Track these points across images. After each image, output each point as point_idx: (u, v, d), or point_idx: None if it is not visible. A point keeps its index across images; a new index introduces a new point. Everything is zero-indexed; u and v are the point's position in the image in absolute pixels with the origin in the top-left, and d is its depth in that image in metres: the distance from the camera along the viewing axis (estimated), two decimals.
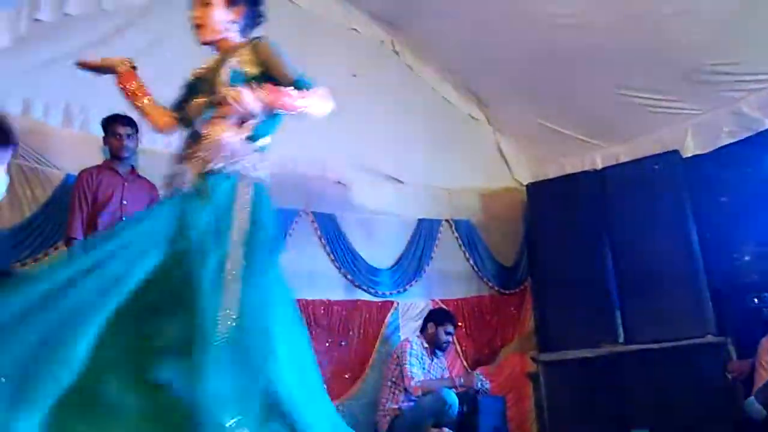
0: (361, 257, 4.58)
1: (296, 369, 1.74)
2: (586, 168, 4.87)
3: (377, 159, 4.79)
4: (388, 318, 4.59)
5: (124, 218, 3.29)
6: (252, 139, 1.98)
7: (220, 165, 1.89)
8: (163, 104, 2.24)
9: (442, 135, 5.10)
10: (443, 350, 4.30)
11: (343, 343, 4.40)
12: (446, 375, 4.28)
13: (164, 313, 1.65)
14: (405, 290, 4.74)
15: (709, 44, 3.88)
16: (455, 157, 5.11)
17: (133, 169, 3.48)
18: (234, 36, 2.11)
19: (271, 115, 2.02)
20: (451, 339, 4.34)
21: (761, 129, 4.04)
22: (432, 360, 4.25)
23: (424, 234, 4.89)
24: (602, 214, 4.54)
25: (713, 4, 3.70)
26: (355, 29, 4.96)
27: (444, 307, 4.68)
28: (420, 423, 3.88)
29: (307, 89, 2.01)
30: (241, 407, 1.53)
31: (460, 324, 4.74)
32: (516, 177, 5.39)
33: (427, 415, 3.87)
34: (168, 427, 1.50)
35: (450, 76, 5.27)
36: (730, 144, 4.18)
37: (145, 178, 3.51)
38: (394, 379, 4.09)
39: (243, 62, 2.02)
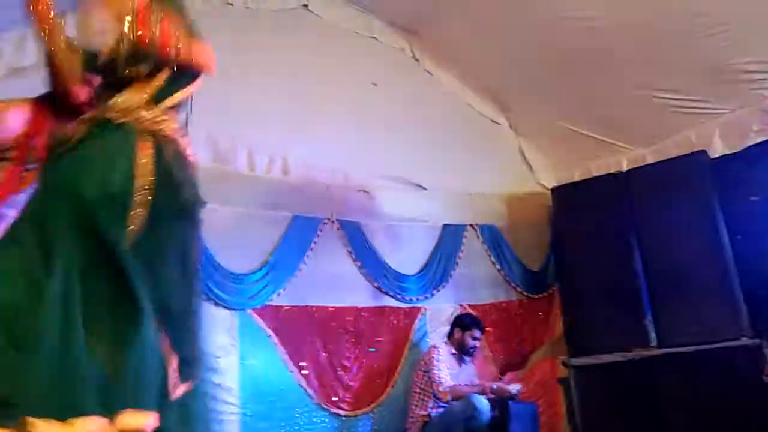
0: (387, 264, 4.58)
1: None
2: (612, 170, 4.81)
3: (400, 166, 4.80)
4: (416, 324, 4.59)
5: None
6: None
7: None
8: None
9: (464, 140, 5.09)
10: (470, 355, 4.28)
11: (371, 350, 4.40)
12: (475, 381, 4.25)
13: None
14: (432, 296, 4.72)
15: (734, 42, 3.83)
16: (478, 162, 5.10)
17: None
18: None
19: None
20: (477, 344, 4.32)
21: None
22: (460, 366, 4.22)
23: (449, 239, 4.88)
24: (629, 216, 4.48)
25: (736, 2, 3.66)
26: (374, 37, 4.99)
27: (471, 312, 4.66)
28: (450, 429, 3.85)
29: None
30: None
31: (488, 329, 4.72)
32: (540, 181, 5.35)
33: (457, 421, 3.84)
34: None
35: (471, 82, 5.26)
36: (760, 142, 4.11)
37: None
38: (422, 386, 4.07)
39: None
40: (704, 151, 4.30)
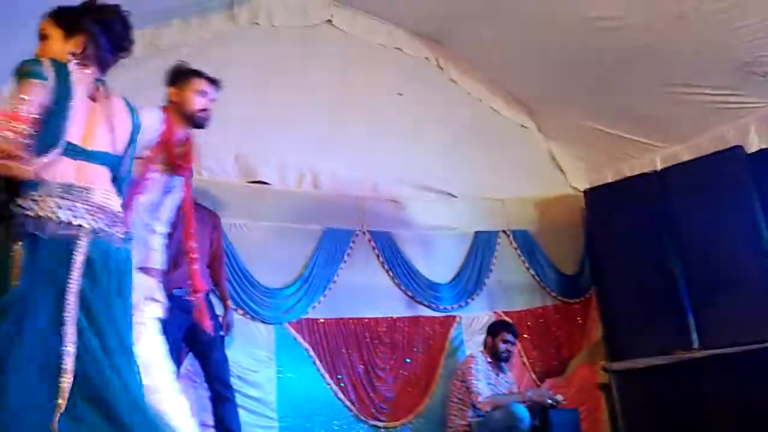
0: (420, 273, 4.57)
1: None
2: (646, 170, 4.73)
3: (429, 175, 4.80)
4: (452, 332, 4.56)
5: None
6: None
7: None
8: None
9: (492, 146, 5.07)
10: (504, 360, 4.21)
11: (408, 360, 4.39)
12: (514, 390, 4.20)
13: None
14: (467, 304, 4.70)
15: (765, 34, 3.74)
16: (508, 168, 5.07)
17: (194, 200, 3.57)
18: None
19: None
20: (510, 348, 4.24)
21: None
22: (498, 375, 4.18)
23: (482, 246, 4.85)
24: (666, 216, 4.40)
25: None
26: (399, 48, 5.01)
27: (506, 318, 4.61)
28: None
29: None
30: None
31: (525, 336, 4.67)
32: (572, 183, 5.30)
33: (497, 430, 3.80)
34: None
35: (497, 87, 5.25)
36: None
37: (205, 208, 3.62)
38: (460, 396, 4.04)
39: None
40: (740, 146, 4.21)
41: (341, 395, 4.13)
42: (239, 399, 3.50)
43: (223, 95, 4.16)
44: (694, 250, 4.26)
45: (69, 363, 1.51)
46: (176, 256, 3.35)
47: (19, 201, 1.60)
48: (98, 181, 1.73)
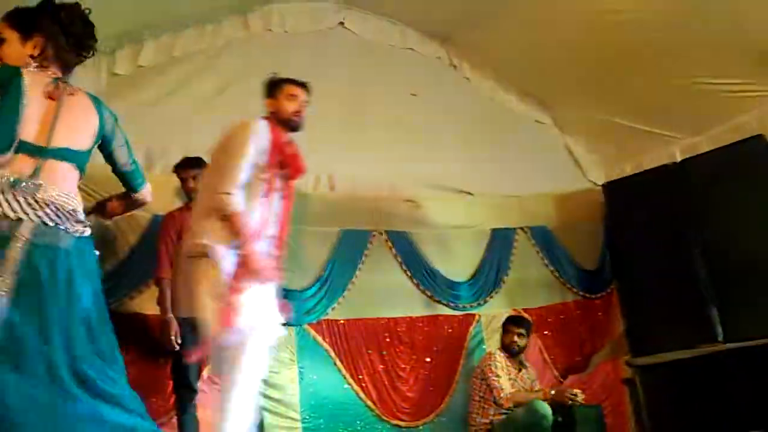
0: (438, 272, 4.57)
1: None
2: (665, 162, 4.68)
3: (444, 174, 4.80)
4: (471, 331, 4.55)
5: None
6: None
7: None
8: None
9: (508, 143, 5.06)
10: (515, 354, 4.16)
11: (428, 360, 4.40)
12: (536, 387, 4.18)
13: None
14: (486, 302, 4.68)
15: None
16: (524, 164, 5.04)
17: None
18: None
19: None
20: (520, 340, 4.14)
21: None
22: (519, 371, 4.16)
23: (500, 244, 4.83)
24: (687, 208, 4.36)
25: None
26: (411, 49, 5.03)
27: (517, 314, 4.57)
28: None
29: None
30: None
31: (546, 333, 4.65)
32: (590, 178, 5.26)
33: (520, 428, 3.79)
34: None
35: (511, 83, 5.23)
36: None
37: None
38: (481, 394, 4.03)
39: None
40: (761, 135, 4.15)
41: (363, 395, 4.15)
42: (262, 400, 3.53)
43: (237, 102, 4.27)
44: (717, 241, 4.21)
45: None
46: None
47: None
48: (54, 177, 1.74)
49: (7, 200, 1.63)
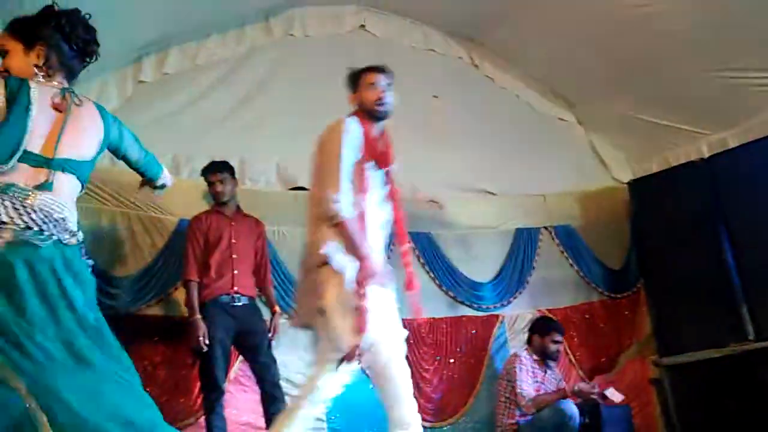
0: (461, 273, 4.57)
1: None
2: (692, 158, 4.61)
3: (467, 174, 4.79)
4: (495, 332, 4.54)
5: (233, 256, 3.50)
6: None
7: None
8: None
9: (531, 142, 5.03)
10: (554, 360, 4.17)
11: (451, 361, 4.40)
12: (562, 386, 4.15)
13: None
14: (509, 303, 4.66)
15: None
16: (548, 163, 5.01)
17: (238, 209, 3.69)
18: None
19: None
20: (560, 347, 4.20)
21: None
22: (545, 372, 4.14)
23: (523, 244, 4.80)
24: (715, 205, 4.28)
25: None
26: (432, 50, 5.03)
27: (549, 315, 4.55)
28: None
29: None
30: None
31: (571, 333, 4.60)
32: (615, 175, 5.19)
33: (547, 429, 3.77)
34: None
35: (533, 82, 5.20)
36: None
37: (250, 216, 3.73)
38: (507, 395, 4.02)
39: None
40: None
41: None
42: (289, 401, 3.57)
43: (261, 108, 4.33)
44: (746, 239, 4.13)
45: None
46: (222, 265, 3.48)
47: None
48: (60, 187, 1.76)
49: None
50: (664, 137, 4.82)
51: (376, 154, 2.51)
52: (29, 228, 1.67)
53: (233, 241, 3.55)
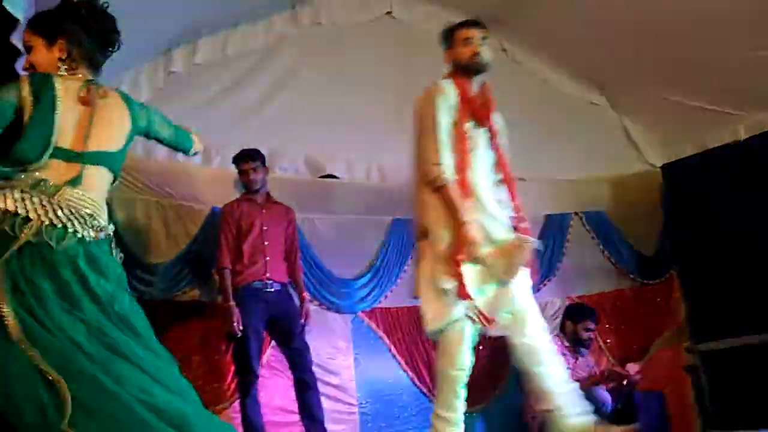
0: None
1: None
2: (728, 140, 4.49)
3: None
4: None
5: (265, 243, 3.56)
6: None
7: None
8: None
9: (561, 126, 4.95)
10: (586, 347, 4.15)
11: (480, 347, 4.38)
12: (594, 371, 4.13)
13: None
14: (539, 289, 4.60)
15: None
16: (578, 147, 4.94)
17: (268, 197, 3.74)
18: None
19: None
20: (591, 335, 4.18)
21: None
22: (576, 360, 4.12)
23: (554, 230, 4.76)
24: (752, 188, 4.16)
25: None
26: None
27: (583, 303, 4.52)
28: None
29: None
30: None
31: (605, 322, 4.56)
32: (648, 159, 5.09)
33: None
34: None
35: (563, 65, 5.11)
36: None
37: (280, 203, 3.77)
38: None
39: None
40: None
41: (418, 382, 4.21)
42: (320, 386, 3.63)
43: (290, 96, 4.36)
44: None
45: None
46: (254, 252, 3.54)
47: None
48: (92, 181, 1.78)
49: (22, 199, 1.66)
50: (699, 119, 4.70)
51: (475, 112, 2.47)
52: (54, 225, 1.68)
53: (264, 228, 3.60)
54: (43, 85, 1.78)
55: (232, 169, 3.77)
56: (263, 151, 3.77)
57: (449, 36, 2.63)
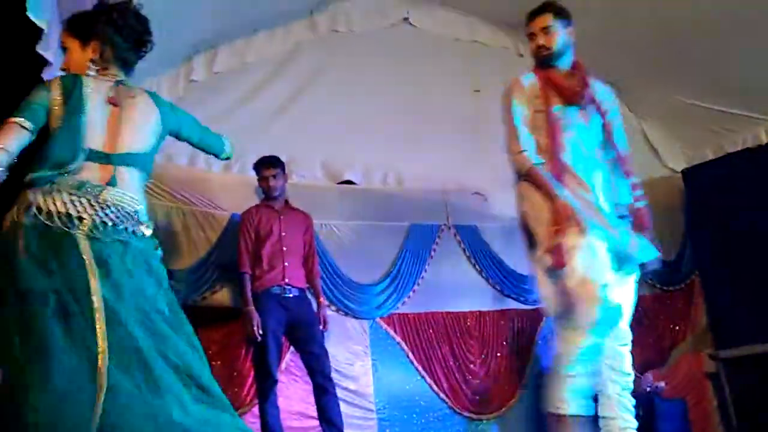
0: (507, 266, 4.54)
1: None
2: (749, 145, 4.45)
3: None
4: (542, 325, 4.49)
5: (283, 248, 3.59)
6: None
7: None
8: None
9: None
10: None
11: (498, 354, 4.39)
12: None
13: None
14: None
15: None
16: None
17: (287, 203, 3.78)
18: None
19: None
20: None
21: None
22: None
23: None
24: None
25: None
26: (476, 41, 4.98)
27: None
28: None
29: None
30: None
31: None
32: (667, 164, 5.04)
33: None
34: None
35: None
36: None
37: (298, 210, 3.80)
38: None
39: None
40: None
41: (436, 388, 4.20)
42: (339, 392, 3.64)
43: (308, 104, 4.39)
44: None
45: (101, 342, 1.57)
46: (272, 257, 3.57)
47: (30, 191, 1.70)
48: (125, 182, 1.80)
49: (71, 201, 1.70)
50: (720, 123, 4.65)
51: (562, 92, 2.48)
52: (105, 224, 1.72)
53: (283, 233, 3.63)
54: (72, 86, 1.80)
55: (252, 176, 3.81)
56: (282, 158, 3.81)
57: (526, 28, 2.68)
